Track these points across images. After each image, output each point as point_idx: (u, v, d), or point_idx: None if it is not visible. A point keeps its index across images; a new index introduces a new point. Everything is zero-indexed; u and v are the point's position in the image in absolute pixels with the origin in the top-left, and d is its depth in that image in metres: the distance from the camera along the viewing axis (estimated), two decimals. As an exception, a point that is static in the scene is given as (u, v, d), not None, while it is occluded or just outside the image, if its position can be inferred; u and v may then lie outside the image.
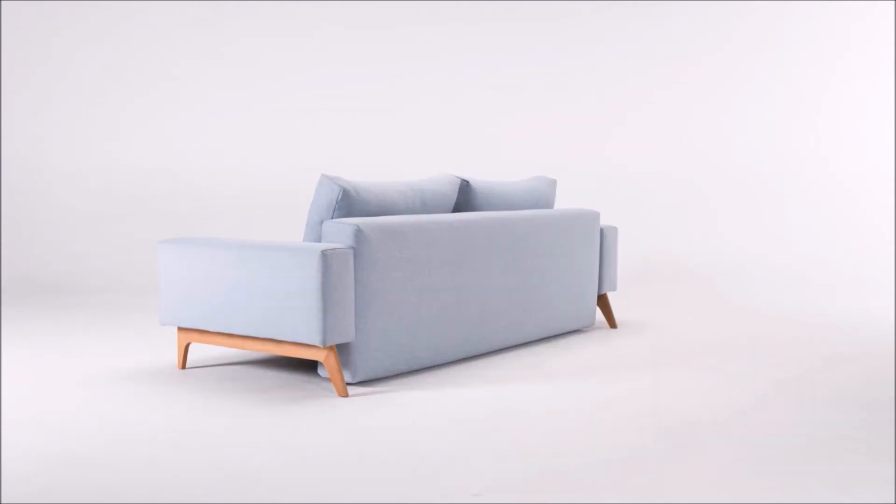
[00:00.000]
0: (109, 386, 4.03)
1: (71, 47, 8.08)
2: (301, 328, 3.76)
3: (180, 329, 4.23)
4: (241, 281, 3.91)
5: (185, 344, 4.26)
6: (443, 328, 4.24)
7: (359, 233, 3.84)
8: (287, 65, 8.40)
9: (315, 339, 3.73)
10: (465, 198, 4.79)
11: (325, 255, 3.69)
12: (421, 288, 4.11)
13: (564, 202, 8.57)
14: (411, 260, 4.05)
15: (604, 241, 5.47)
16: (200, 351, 4.86)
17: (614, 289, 5.63)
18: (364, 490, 2.69)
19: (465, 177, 6.05)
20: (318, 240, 4.04)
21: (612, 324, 5.56)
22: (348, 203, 4.05)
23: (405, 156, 8.50)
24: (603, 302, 5.59)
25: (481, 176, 8.50)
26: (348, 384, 3.99)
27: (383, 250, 3.92)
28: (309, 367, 4.45)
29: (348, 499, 2.61)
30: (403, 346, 4.07)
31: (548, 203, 5.36)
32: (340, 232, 3.84)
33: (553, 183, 5.39)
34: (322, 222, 4.02)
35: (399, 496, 2.64)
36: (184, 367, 4.32)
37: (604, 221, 8.55)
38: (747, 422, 3.45)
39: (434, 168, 8.45)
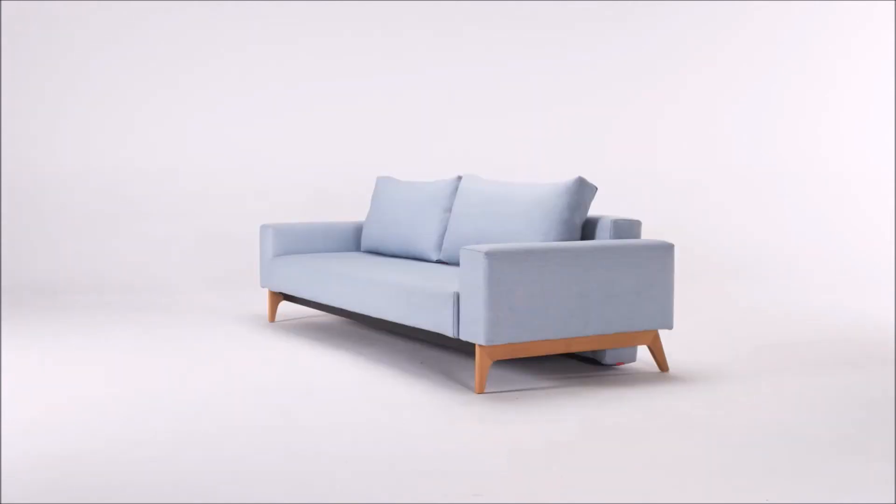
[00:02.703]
0: (111, 386, 4.03)
1: (76, 50, 8.08)
2: (654, 316, 4.20)
3: (486, 347, 3.86)
4: (592, 282, 4.02)
5: (489, 362, 3.89)
6: None
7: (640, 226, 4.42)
8: (292, 67, 8.39)
9: (668, 323, 4.24)
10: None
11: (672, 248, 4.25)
12: None
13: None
14: None
15: None
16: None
17: None
18: (362, 490, 2.69)
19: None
20: (567, 236, 4.32)
21: None
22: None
23: (406, 157, 8.50)
24: None
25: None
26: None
27: None
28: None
29: (347, 498, 2.61)
30: None
31: None
32: (632, 229, 4.33)
33: None
34: (571, 220, 4.32)
35: (399, 496, 2.64)
36: (483, 390, 3.91)
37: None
38: (747, 422, 3.45)
39: (436, 169, 8.45)
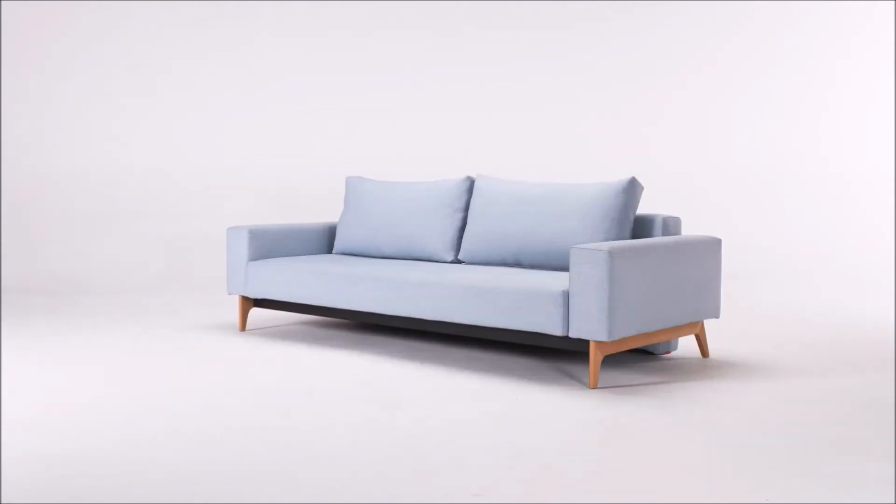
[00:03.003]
0: (110, 386, 4.03)
1: (71, 47, 8.08)
2: (710, 306, 4.49)
3: (600, 343, 3.95)
4: (668, 276, 4.20)
5: (601, 357, 3.98)
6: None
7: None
8: (287, 65, 8.39)
9: (716, 312, 4.54)
10: None
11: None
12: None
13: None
14: None
15: None
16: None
17: None
18: (362, 490, 2.69)
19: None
20: (624, 234, 4.55)
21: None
22: None
23: (406, 157, 8.49)
24: None
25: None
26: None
27: None
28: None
29: (347, 498, 2.61)
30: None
31: None
32: (677, 226, 4.62)
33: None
34: (627, 218, 4.55)
35: (399, 496, 2.64)
36: (597, 385, 4.02)
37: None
38: (748, 422, 3.45)
39: (436, 169, 8.45)
